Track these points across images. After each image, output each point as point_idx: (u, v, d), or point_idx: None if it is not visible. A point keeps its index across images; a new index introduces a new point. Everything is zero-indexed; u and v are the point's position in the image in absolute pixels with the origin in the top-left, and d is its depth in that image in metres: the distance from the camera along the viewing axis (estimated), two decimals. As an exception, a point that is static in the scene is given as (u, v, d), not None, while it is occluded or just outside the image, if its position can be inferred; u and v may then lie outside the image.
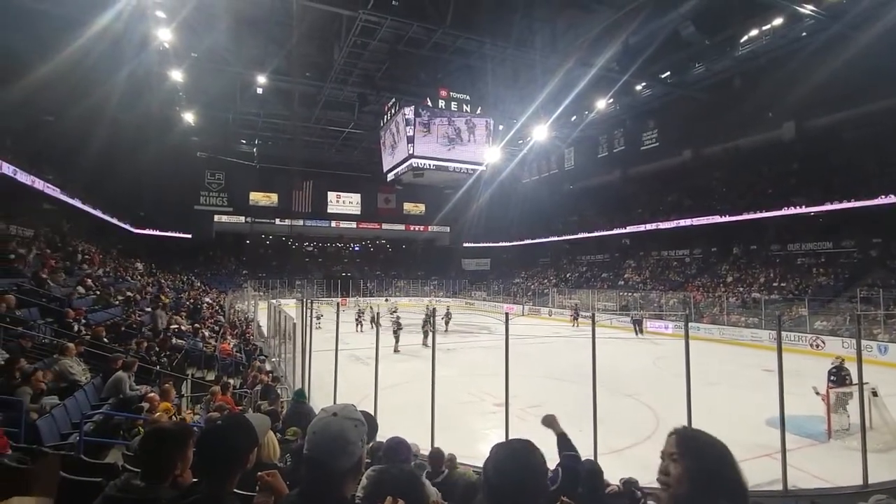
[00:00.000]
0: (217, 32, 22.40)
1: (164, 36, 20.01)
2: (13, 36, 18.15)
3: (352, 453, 1.23)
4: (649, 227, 32.44)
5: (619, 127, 36.85)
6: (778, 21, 23.01)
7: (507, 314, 7.31)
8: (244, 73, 25.31)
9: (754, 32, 24.22)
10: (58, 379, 6.11)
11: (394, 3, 20.68)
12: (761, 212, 25.73)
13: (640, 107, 32.99)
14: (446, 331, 22.43)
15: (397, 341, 17.69)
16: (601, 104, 31.10)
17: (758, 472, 6.15)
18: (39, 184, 20.43)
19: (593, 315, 7.56)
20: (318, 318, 23.03)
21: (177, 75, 23.72)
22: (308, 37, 24.37)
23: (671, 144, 33.94)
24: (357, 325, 22.99)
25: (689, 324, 6.99)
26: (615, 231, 35.54)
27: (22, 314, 8.41)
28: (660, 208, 33.53)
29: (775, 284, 23.76)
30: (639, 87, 30.36)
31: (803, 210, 23.99)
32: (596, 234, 37.64)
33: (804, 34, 22.44)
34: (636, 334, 22.95)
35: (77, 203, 24.67)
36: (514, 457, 1.25)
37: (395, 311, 21.31)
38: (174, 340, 11.44)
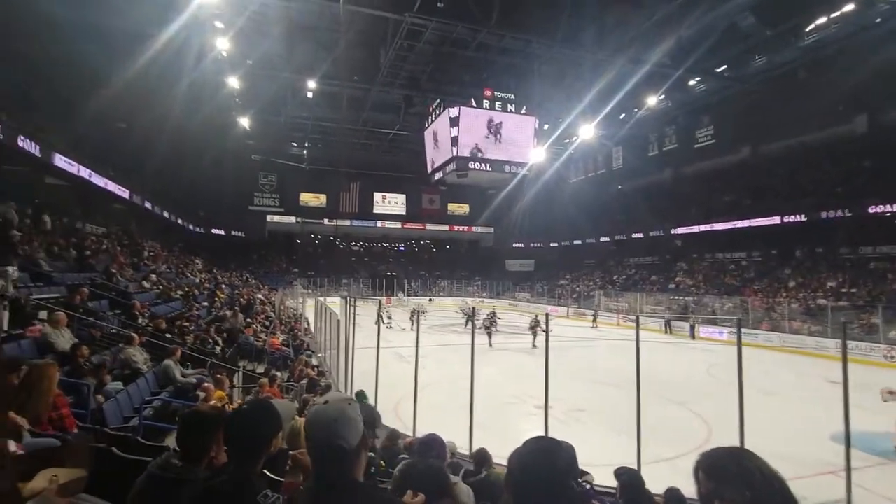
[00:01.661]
0: (270, 40, 23.35)
1: (222, 45, 21.07)
2: (90, 50, 19.62)
3: (355, 428, 1.29)
4: (703, 228, 31.16)
5: (671, 124, 35.49)
6: (849, 7, 21.39)
7: (547, 314, 7.18)
8: (295, 78, 26.24)
9: (822, 20, 22.65)
10: (123, 367, 6.54)
11: (439, 4, 20.83)
12: (829, 211, 24.01)
13: (694, 103, 31.64)
14: (496, 331, 22.38)
15: (490, 337, 19.43)
16: (652, 101, 30.06)
17: (820, 491, 5.72)
18: (111, 186, 22.01)
19: (637, 319, 7.27)
20: (389, 318, 23.61)
21: (233, 82, 24.93)
22: (355, 42, 24.95)
23: (728, 141, 32.28)
24: (411, 323, 23.22)
25: (747, 330, 6.60)
26: (666, 232, 34.31)
27: (94, 306, 9.06)
28: (715, 208, 31.99)
29: (844, 290, 22.04)
30: (692, 83, 29.09)
31: (878, 210, 22.17)
32: (645, 234, 36.50)
33: (878, 20, 20.75)
34: (665, 332, 22.98)
35: (145, 204, 26.43)
36: (539, 454, 1.22)
37: (489, 315, 22.14)
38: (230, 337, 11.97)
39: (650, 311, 27.75)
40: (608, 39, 23.30)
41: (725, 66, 26.88)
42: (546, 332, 6.68)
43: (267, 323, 16.82)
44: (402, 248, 55.51)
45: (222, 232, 42.29)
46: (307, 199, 49.62)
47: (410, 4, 19.77)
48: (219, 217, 41.92)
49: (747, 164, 31.94)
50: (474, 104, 27.49)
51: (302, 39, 24.50)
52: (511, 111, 28.18)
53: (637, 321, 6.83)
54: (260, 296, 25.66)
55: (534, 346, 18.22)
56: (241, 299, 19.89)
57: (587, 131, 32.26)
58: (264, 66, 24.94)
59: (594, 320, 27.83)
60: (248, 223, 45.22)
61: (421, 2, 19.75)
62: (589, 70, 25.13)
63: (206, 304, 15.27)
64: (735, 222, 29.05)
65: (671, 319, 24.97)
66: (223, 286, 22.98)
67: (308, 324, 21.06)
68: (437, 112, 29.33)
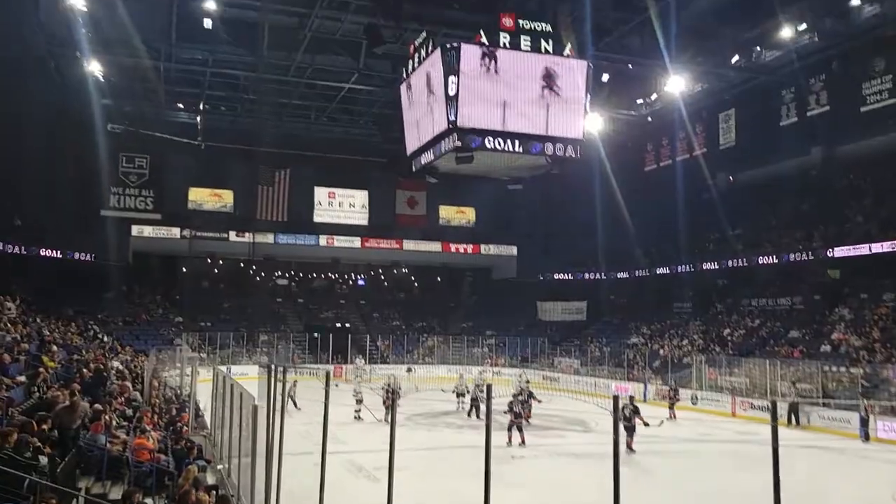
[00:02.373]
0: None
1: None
2: None
3: None
4: (884, 248, 31.36)
5: (819, 73, 35.87)
6: None
7: (615, 397, 7.02)
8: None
9: None
10: None
11: None
12: None
13: (859, 36, 32.03)
14: (528, 423, 22.47)
15: (521, 432, 19.73)
16: (785, 33, 30.43)
17: None
18: None
19: (774, 408, 7.08)
20: (358, 401, 24.06)
21: None
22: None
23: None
24: (386, 410, 23.32)
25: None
26: (815, 255, 34.57)
27: None
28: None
29: None
30: (856, 1, 29.55)
31: None
32: (779, 259, 36.67)
33: None
34: (790, 425, 23.76)
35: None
36: None
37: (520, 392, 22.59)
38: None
39: (789, 390, 27.67)
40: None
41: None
42: (615, 428, 6.52)
43: (129, 412, 16.52)
44: (361, 282, 55.29)
45: (55, 253, 41.95)
46: (201, 197, 49.79)
47: None
48: (50, 228, 41.71)
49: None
50: (484, 40, 27.70)
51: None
52: (547, 52, 28.42)
53: (774, 411, 6.66)
54: (117, 363, 25.28)
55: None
56: (86, 370, 19.55)
57: (676, 84, 32.55)
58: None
59: (671, 406, 28.13)
60: (99, 238, 44.90)
61: None
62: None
63: (22, 379, 14.98)
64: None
65: (799, 404, 25.13)
66: (54, 347, 22.63)
67: (201, 412, 20.87)
68: (423, 53, 29.46)
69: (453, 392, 27.79)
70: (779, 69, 35.14)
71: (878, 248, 31.68)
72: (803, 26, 31.11)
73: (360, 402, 24.59)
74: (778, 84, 37.35)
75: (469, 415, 25.63)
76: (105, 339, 33.52)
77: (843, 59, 34.19)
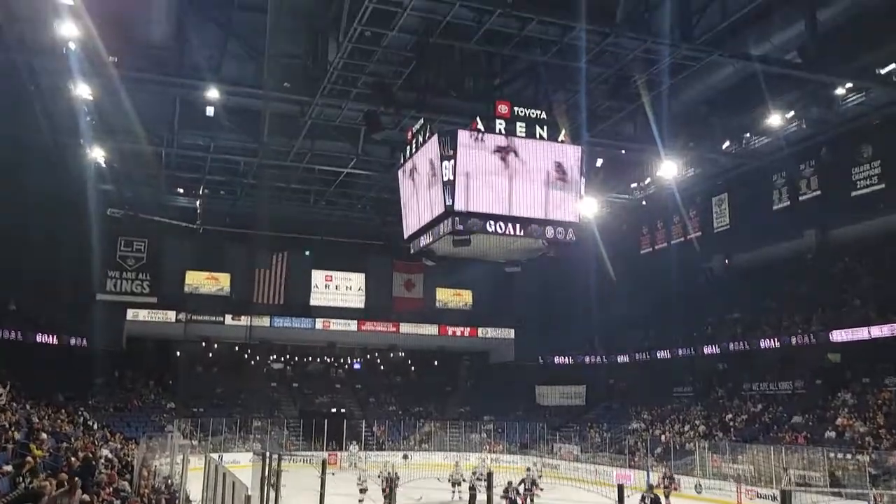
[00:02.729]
0: (151, 23, 24.37)
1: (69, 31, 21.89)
2: None
3: None
4: (883, 331, 31.24)
5: (808, 158, 36.51)
6: None
7: (620, 486, 6.87)
8: (186, 82, 26.99)
9: None
10: None
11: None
12: None
13: (846, 124, 32.74)
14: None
15: None
16: (774, 121, 31.16)
17: None
18: None
19: (787, 498, 6.90)
20: (362, 490, 23.81)
21: (83, 90, 25.63)
22: (288, 27, 26.06)
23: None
24: (385, 499, 23.43)
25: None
26: (815, 338, 34.50)
27: None
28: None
29: None
30: (841, 91, 30.37)
31: None
32: (781, 343, 36.55)
33: None
34: None
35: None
36: None
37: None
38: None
39: (784, 476, 27.29)
40: (696, 25, 24.53)
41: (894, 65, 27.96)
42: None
43: (117, 503, 16.09)
44: (357, 366, 54.81)
45: (51, 339, 41.65)
46: (198, 280, 49.86)
47: (379, -28, 20.92)
48: (46, 312, 41.59)
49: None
50: (481, 126, 28.21)
51: (200, 22, 25.57)
52: (542, 138, 28.93)
53: (783, 501, 6.49)
54: (107, 451, 24.86)
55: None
56: (74, 458, 19.18)
57: (669, 169, 33.13)
58: (137, 63, 25.72)
59: (666, 496, 26.26)
60: (94, 323, 44.73)
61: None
62: (668, 71, 26.25)
63: (8, 468, 14.65)
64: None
65: (790, 491, 24.48)
66: (43, 434, 22.26)
67: (192, 503, 20.49)
68: (421, 139, 29.93)
69: (448, 481, 27.29)
70: (769, 155, 35.66)
71: (877, 331, 31.63)
72: (791, 114, 31.86)
73: (363, 491, 24.44)
74: (769, 169, 37.91)
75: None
76: (95, 426, 32.95)
77: (832, 145, 34.72)
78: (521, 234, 28.08)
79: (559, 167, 29.63)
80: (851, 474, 26.19)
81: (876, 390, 32.55)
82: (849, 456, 27.62)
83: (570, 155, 29.78)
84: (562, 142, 29.67)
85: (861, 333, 32.44)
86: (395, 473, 23.58)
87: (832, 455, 27.96)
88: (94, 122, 30.30)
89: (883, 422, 30.07)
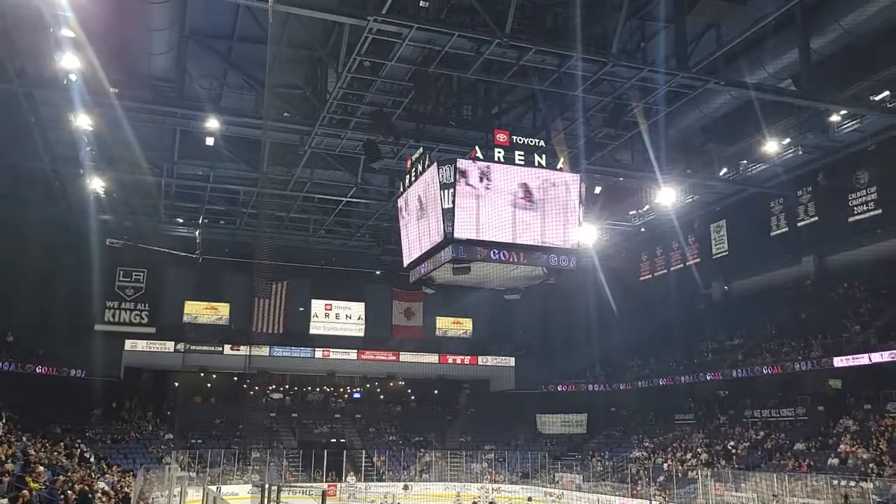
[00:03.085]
0: (151, 55, 24.59)
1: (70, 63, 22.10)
2: None
3: None
4: (884, 356, 31.11)
5: (805, 185, 36.62)
6: None
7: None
8: (186, 113, 27.18)
9: None
10: None
11: (422, 3, 22.26)
12: None
13: (841, 150, 32.89)
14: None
15: None
16: (771, 147, 31.30)
17: None
18: None
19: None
20: None
21: (84, 120, 25.81)
22: (288, 59, 26.32)
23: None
24: None
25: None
26: (817, 364, 34.24)
27: None
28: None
29: None
30: (837, 117, 30.53)
31: None
32: (783, 369, 36.31)
33: None
34: None
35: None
36: None
37: None
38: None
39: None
40: (691, 54, 24.78)
41: (888, 92, 28.08)
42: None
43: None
44: (357, 395, 54.47)
45: (49, 370, 41.38)
46: (197, 310, 49.55)
47: (377, 5, 21.10)
48: (44, 344, 41.38)
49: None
50: (480, 155, 28.35)
51: (201, 51, 25.81)
52: (540, 166, 29.07)
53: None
54: (103, 484, 24.61)
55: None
56: (70, 492, 19.01)
57: (667, 196, 33.25)
58: (136, 95, 25.88)
59: None
60: (92, 353, 44.41)
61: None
62: (664, 99, 26.46)
63: (3, 501, 14.48)
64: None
65: None
66: (39, 467, 22.05)
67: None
68: (420, 168, 30.07)
69: None
70: (766, 181, 35.81)
71: (878, 357, 31.37)
72: (787, 140, 32.02)
73: None
74: (767, 195, 38.06)
75: None
76: (91, 458, 32.63)
77: (828, 171, 34.85)
78: (522, 261, 28.13)
79: (558, 195, 29.74)
80: (855, 502, 26.02)
81: (878, 416, 32.33)
82: (853, 483, 27.39)
83: (569, 183, 29.94)
84: (560, 169, 29.84)
85: (862, 359, 32.18)
86: (396, 501, 23.36)
87: (836, 482, 27.78)
88: (94, 152, 30.40)
89: (886, 448, 29.79)
